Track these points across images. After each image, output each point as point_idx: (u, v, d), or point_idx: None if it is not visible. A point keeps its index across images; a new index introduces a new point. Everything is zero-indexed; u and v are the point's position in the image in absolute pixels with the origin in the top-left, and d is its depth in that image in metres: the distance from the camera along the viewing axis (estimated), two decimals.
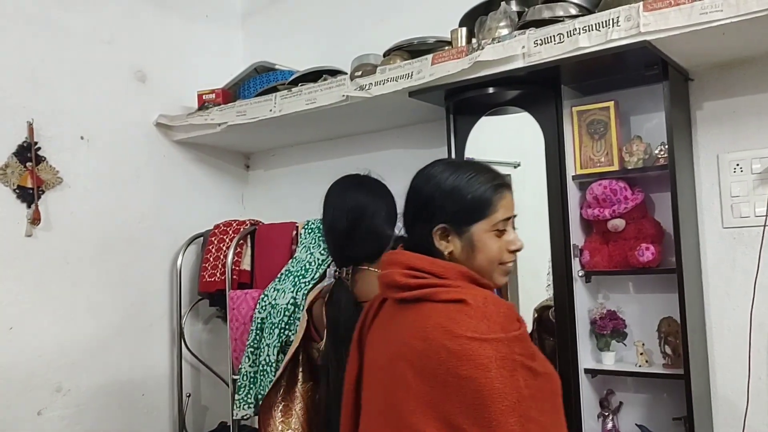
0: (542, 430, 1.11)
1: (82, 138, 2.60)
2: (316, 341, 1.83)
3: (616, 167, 2.03)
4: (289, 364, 1.84)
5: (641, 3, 1.74)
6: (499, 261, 1.31)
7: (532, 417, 1.10)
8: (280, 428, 1.83)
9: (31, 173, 2.42)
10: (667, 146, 1.91)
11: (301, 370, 1.88)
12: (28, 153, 2.42)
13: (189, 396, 2.94)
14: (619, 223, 2.03)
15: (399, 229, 1.99)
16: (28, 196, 2.42)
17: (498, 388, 1.08)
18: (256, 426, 2.71)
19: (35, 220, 2.41)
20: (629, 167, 2.02)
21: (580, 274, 2.08)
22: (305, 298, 1.92)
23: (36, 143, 2.44)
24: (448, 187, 1.29)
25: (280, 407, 1.85)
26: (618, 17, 1.78)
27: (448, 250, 1.29)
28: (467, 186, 1.29)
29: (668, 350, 2.02)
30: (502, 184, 1.32)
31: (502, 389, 1.09)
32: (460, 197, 1.28)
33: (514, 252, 1.33)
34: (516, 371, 1.11)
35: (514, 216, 1.33)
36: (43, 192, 2.46)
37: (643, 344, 2.08)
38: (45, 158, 2.47)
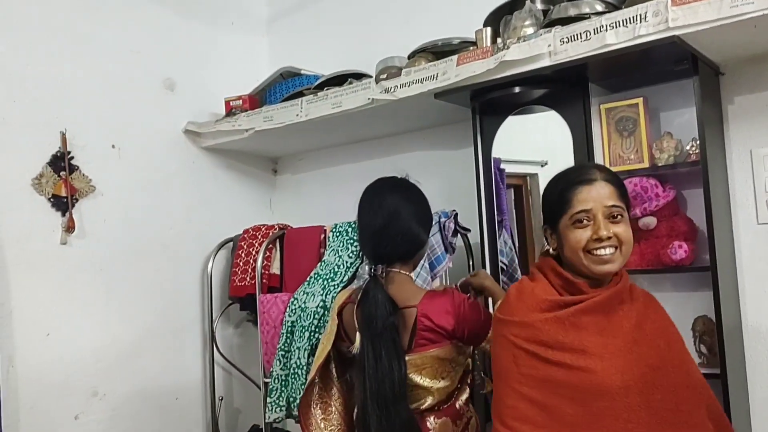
0: (531, 404, 1.34)
1: (113, 147, 2.65)
2: (345, 343, 1.83)
3: (646, 164, 2.00)
4: (321, 365, 1.84)
5: None
6: (584, 249, 1.41)
7: (522, 391, 1.36)
8: (322, 425, 1.83)
9: (65, 182, 2.47)
10: (698, 142, 1.88)
11: (333, 366, 1.88)
12: (61, 162, 2.47)
13: (221, 399, 2.97)
14: (650, 221, 2.00)
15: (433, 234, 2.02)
16: (63, 204, 2.47)
17: (496, 354, 1.45)
18: (288, 429, 2.73)
19: (69, 228, 2.46)
20: (660, 164, 1.99)
21: None
22: (334, 301, 1.92)
23: (69, 153, 2.49)
24: (544, 192, 1.52)
25: (319, 405, 1.85)
26: (645, 13, 1.76)
27: (553, 247, 1.50)
28: (551, 188, 1.51)
29: (704, 349, 1.98)
30: (581, 180, 1.43)
31: (497, 358, 1.44)
32: (546, 199, 1.51)
33: (597, 240, 1.39)
34: (508, 349, 1.40)
35: (609, 206, 1.40)
36: (77, 200, 2.51)
37: None
38: (78, 167, 2.52)
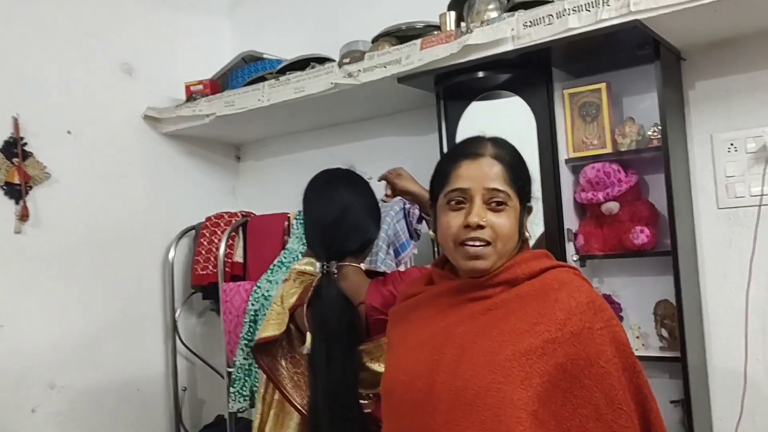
0: None
1: (69, 132, 2.57)
2: (298, 343, 1.78)
3: (609, 149, 2.00)
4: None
5: None
6: (455, 239, 1.18)
7: None
8: (294, 378, 1.76)
9: (18, 169, 2.39)
10: (660, 127, 1.89)
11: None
12: (14, 149, 2.38)
13: (185, 390, 2.92)
14: (613, 206, 2.01)
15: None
16: (16, 192, 2.38)
17: None
18: (252, 419, 2.70)
19: (24, 216, 2.38)
20: (622, 149, 2.00)
21: (574, 259, 2.06)
22: (279, 289, 1.85)
23: (22, 138, 2.41)
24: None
25: (288, 359, 1.77)
26: None
27: (432, 229, 1.30)
28: (441, 159, 1.30)
29: (665, 333, 2.00)
30: (466, 153, 1.21)
31: None
32: (434, 171, 1.29)
33: (466, 228, 1.16)
34: None
35: (489, 189, 1.16)
36: (31, 188, 2.43)
37: (639, 327, 2.06)
38: (32, 153, 2.44)
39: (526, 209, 1.24)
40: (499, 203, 1.17)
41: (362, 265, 1.74)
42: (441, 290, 1.24)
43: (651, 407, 1.14)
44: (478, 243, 1.16)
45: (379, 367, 1.64)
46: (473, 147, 1.22)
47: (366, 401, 1.66)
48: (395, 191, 1.92)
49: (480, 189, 1.17)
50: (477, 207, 1.16)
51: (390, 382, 1.24)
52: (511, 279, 1.17)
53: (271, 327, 1.75)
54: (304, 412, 1.70)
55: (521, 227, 1.22)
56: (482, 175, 1.17)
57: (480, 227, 1.15)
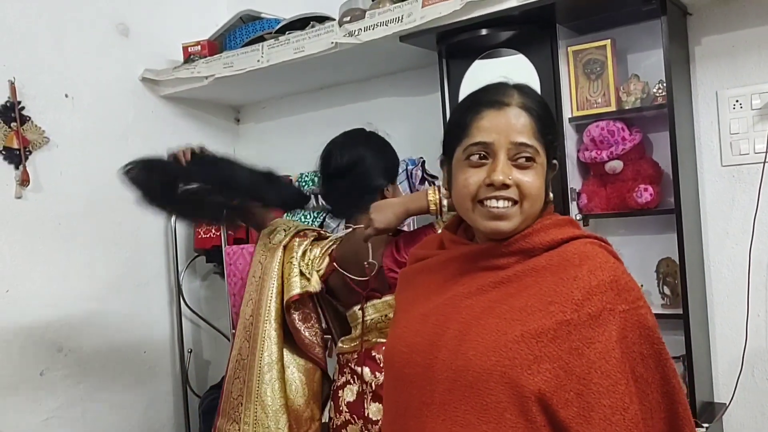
0: None
1: (66, 96, 2.54)
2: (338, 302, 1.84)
3: (613, 108, 1.99)
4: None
5: None
6: (473, 198, 1.06)
7: None
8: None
9: (17, 134, 2.37)
10: (665, 84, 1.87)
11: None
12: (11, 113, 2.36)
13: (191, 352, 2.95)
14: (617, 165, 2.00)
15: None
16: (15, 157, 2.37)
17: None
18: None
19: (24, 181, 2.37)
20: (627, 107, 1.98)
21: (578, 218, 2.06)
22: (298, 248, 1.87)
23: (20, 102, 2.38)
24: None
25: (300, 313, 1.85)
26: None
27: (445, 186, 1.18)
28: (456, 107, 1.16)
29: (667, 291, 2.02)
30: (489, 101, 1.06)
31: None
32: (448, 121, 1.17)
33: (489, 186, 1.03)
34: None
35: (516, 144, 1.03)
36: (30, 152, 2.42)
37: (642, 285, 2.06)
38: (30, 118, 2.41)
39: (551, 167, 1.11)
40: (528, 159, 1.04)
41: None
42: (451, 256, 1.14)
43: (678, 399, 1.03)
44: (503, 203, 1.04)
45: None
46: (498, 95, 1.06)
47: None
48: (379, 231, 1.65)
49: (506, 143, 1.03)
50: (502, 163, 1.03)
51: (390, 353, 1.15)
52: (528, 248, 1.06)
53: (297, 285, 1.79)
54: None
55: (546, 185, 1.09)
56: (508, 127, 1.03)
57: (505, 186, 1.03)
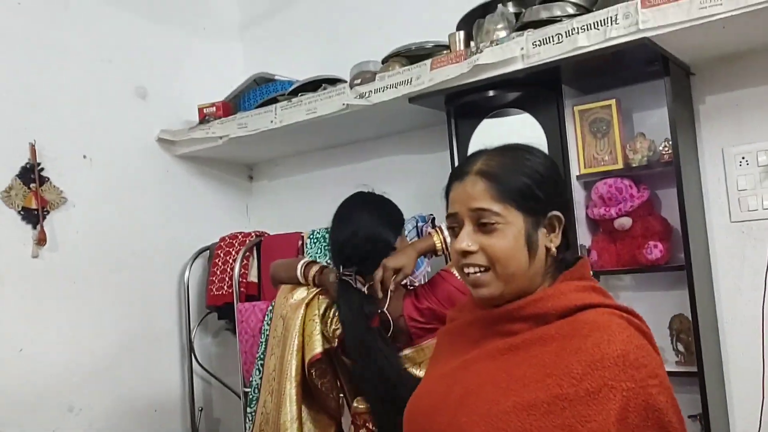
0: None
1: (84, 157, 2.61)
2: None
3: (620, 165, 2.01)
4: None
5: (639, 0, 1.73)
6: (458, 268, 1.09)
7: None
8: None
9: (35, 194, 2.42)
10: (671, 142, 1.90)
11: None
12: (31, 174, 2.42)
13: (201, 410, 2.93)
14: (625, 222, 2.01)
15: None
16: (33, 217, 2.42)
17: None
18: None
19: (41, 240, 2.41)
20: (633, 165, 2.00)
21: None
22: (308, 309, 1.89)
23: (39, 164, 2.44)
24: None
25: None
26: (616, 15, 1.77)
27: None
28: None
29: (681, 348, 2.00)
30: (454, 173, 1.11)
31: None
32: None
33: (458, 253, 1.06)
34: None
35: (474, 210, 1.04)
36: (48, 212, 2.47)
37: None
38: (48, 178, 2.48)
39: (540, 221, 1.06)
40: (487, 224, 1.04)
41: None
42: (473, 319, 1.13)
43: None
44: (473, 269, 1.05)
45: (420, 372, 1.67)
46: (463, 165, 1.11)
47: None
48: (396, 271, 1.73)
49: (466, 211, 1.05)
50: (464, 231, 1.05)
51: (406, 410, 1.16)
52: (539, 314, 1.02)
53: (318, 343, 1.81)
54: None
55: (530, 243, 1.04)
56: (465, 195, 1.06)
57: (468, 252, 1.05)
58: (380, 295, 1.69)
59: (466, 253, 1.05)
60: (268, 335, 2.36)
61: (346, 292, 1.73)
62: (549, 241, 1.06)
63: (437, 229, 1.75)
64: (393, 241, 1.80)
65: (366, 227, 1.75)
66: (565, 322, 1.00)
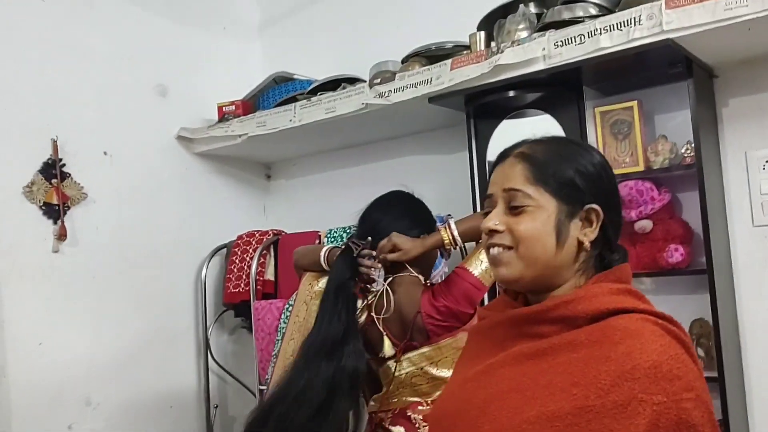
0: None
1: (105, 153, 2.63)
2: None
3: (641, 168, 2.00)
4: None
5: (663, 1, 1.72)
6: (486, 247, 1.08)
7: None
8: None
9: (57, 190, 2.45)
10: (693, 145, 1.88)
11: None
12: (53, 170, 2.44)
13: (216, 407, 2.94)
14: (646, 225, 2.00)
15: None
16: (54, 212, 2.44)
17: None
18: None
19: (61, 236, 2.44)
20: (655, 167, 1.99)
21: None
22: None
23: (60, 160, 2.47)
24: None
25: None
26: (640, 16, 1.76)
27: None
28: None
29: (701, 352, 1.98)
30: (499, 156, 1.10)
31: None
32: None
33: (485, 232, 1.05)
34: None
35: (506, 190, 1.04)
36: (69, 208, 2.49)
37: None
38: (69, 174, 2.50)
39: (575, 211, 1.01)
40: (518, 206, 1.02)
41: (421, 277, 1.77)
42: (500, 319, 1.08)
43: None
44: (495, 249, 1.03)
45: (437, 371, 1.67)
46: (506, 149, 1.09)
47: (424, 408, 1.69)
48: (395, 248, 1.74)
49: (500, 192, 1.04)
50: (494, 211, 1.04)
51: (431, 413, 1.16)
52: (569, 316, 0.96)
53: None
54: None
55: (560, 231, 1.00)
56: (503, 176, 1.05)
57: (495, 232, 1.03)
58: (372, 256, 1.72)
59: (492, 232, 1.03)
60: (284, 333, 2.37)
61: (346, 251, 1.75)
62: (583, 234, 1.01)
63: (446, 225, 1.75)
64: (418, 234, 1.80)
65: (394, 219, 1.76)
66: (596, 327, 0.94)
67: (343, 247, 1.79)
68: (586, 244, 1.01)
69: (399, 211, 1.82)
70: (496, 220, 1.03)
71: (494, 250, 1.04)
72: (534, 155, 1.04)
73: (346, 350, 1.64)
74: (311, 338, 1.68)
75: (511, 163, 1.05)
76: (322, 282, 1.83)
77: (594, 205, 1.01)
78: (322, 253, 1.83)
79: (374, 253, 1.74)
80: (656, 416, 0.85)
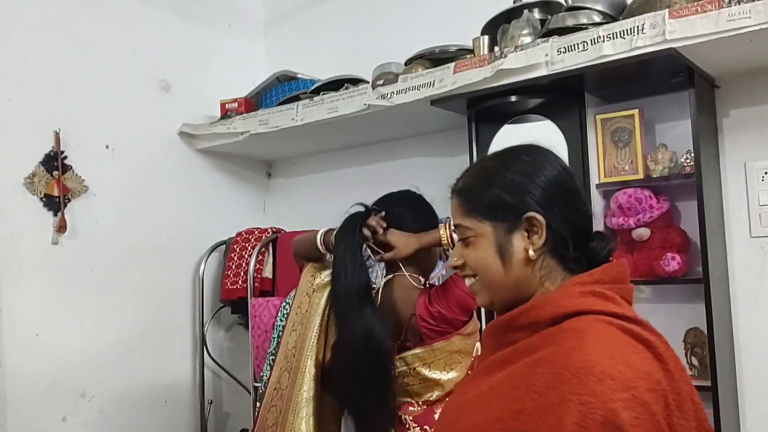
0: None
1: (107, 147, 2.64)
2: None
3: (640, 176, 2.01)
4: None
5: (667, 10, 1.73)
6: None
7: None
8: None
9: (58, 182, 2.45)
10: (693, 154, 1.89)
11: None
12: (54, 162, 2.45)
13: (211, 403, 2.95)
14: (644, 232, 2.01)
15: None
16: (55, 204, 2.45)
17: None
18: None
19: (61, 228, 2.44)
20: (654, 176, 2.00)
21: None
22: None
23: (62, 152, 2.48)
24: None
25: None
26: (643, 24, 1.77)
27: None
28: None
29: (695, 361, 1.99)
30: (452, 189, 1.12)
31: None
32: None
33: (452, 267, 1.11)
34: None
35: (455, 227, 1.09)
36: (69, 200, 2.50)
37: None
38: (71, 167, 2.51)
39: (514, 226, 1.01)
40: (464, 238, 1.06)
41: (414, 276, 1.76)
42: (490, 327, 1.09)
43: None
44: (467, 281, 1.09)
45: (429, 373, 1.67)
46: (459, 179, 1.13)
47: (415, 409, 1.69)
48: (388, 244, 1.74)
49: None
50: (455, 246, 1.11)
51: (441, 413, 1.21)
52: (533, 322, 0.97)
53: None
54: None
55: (502, 251, 1.01)
56: (452, 214, 1.10)
57: (458, 266, 1.08)
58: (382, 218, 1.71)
59: (457, 267, 1.09)
60: (281, 331, 2.38)
61: (351, 218, 1.74)
62: (530, 243, 1.00)
63: (446, 224, 1.73)
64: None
65: (397, 213, 1.76)
66: (550, 330, 0.94)
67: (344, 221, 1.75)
68: (531, 253, 1.00)
69: (414, 209, 1.82)
70: (455, 255, 1.08)
71: (467, 281, 1.08)
72: (463, 187, 1.08)
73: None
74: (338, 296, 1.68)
75: (453, 200, 1.09)
76: (324, 274, 1.83)
77: (529, 213, 1.00)
78: (318, 237, 1.79)
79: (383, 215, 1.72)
80: (582, 417, 0.82)
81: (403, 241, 1.72)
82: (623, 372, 0.85)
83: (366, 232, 1.70)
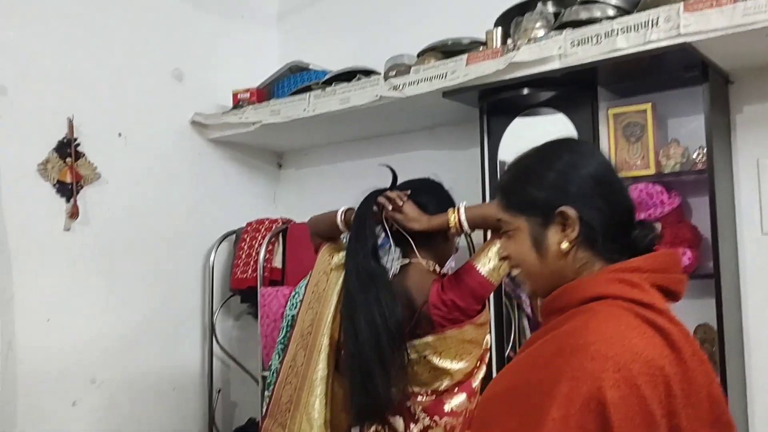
0: None
1: (120, 135, 2.65)
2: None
3: (652, 171, 2.00)
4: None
5: (681, 4, 1.72)
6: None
7: None
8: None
9: (71, 169, 2.47)
10: (705, 150, 1.88)
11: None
12: (67, 149, 2.47)
13: (219, 391, 2.97)
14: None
15: None
16: (67, 191, 2.47)
17: None
18: None
19: (73, 214, 2.46)
20: (666, 171, 1.99)
21: None
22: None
23: (76, 139, 2.49)
24: None
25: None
26: (657, 18, 1.76)
27: None
28: None
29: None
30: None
31: None
32: None
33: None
34: None
35: (497, 220, 1.14)
36: (82, 187, 2.51)
37: None
38: (84, 154, 2.52)
39: (548, 220, 1.04)
40: (504, 231, 1.12)
41: (430, 263, 1.76)
42: (539, 314, 1.16)
43: None
44: (514, 270, 1.15)
45: (440, 361, 1.66)
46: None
47: (424, 399, 1.68)
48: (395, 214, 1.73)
49: None
50: (501, 239, 1.16)
51: None
52: (559, 307, 1.03)
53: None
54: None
55: (537, 245, 1.06)
56: (495, 205, 1.15)
57: (504, 258, 1.15)
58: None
59: (503, 258, 1.17)
60: (290, 320, 2.38)
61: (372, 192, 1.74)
62: (564, 236, 1.03)
63: (456, 208, 1.71)
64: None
65: (422, 201, 1.75)
66: (572, 312, 0.98)
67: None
68: (564, 246, 1.03)
69: (438, 199, 1.81)
70: (502, 248, 1.16)
71: (513, 272, 1.16)
72: (502, 184, 1.14)
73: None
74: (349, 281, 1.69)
75: (496, 196, 1.15)
76: (342, 255, 1.83)
77: (562, 208, 1.03)
78: (339, 214, 1.78)
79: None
80: (570, 390, 0.87)
81: (415, 214, 1.71)
82: (618, 353, 0.88)
83: (381, 199, 1.70)
